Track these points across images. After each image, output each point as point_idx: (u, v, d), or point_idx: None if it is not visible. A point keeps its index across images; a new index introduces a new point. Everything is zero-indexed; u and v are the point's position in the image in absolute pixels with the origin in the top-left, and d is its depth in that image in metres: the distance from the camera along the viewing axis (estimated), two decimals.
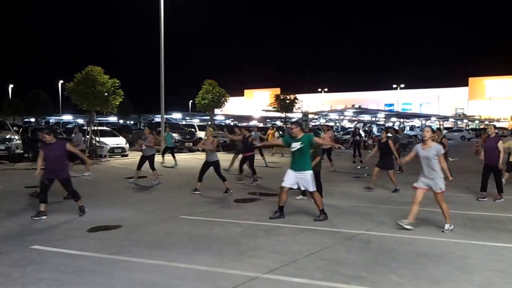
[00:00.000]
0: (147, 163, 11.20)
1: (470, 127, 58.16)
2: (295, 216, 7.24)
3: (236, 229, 6.33)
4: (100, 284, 4.20)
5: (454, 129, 50.99)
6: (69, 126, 38.12)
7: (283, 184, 6.92)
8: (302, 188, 7.12)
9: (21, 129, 21.56)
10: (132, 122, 47.78)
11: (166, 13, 21.70)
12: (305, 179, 6.84)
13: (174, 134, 22.49)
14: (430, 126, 6.81)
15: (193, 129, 26.48)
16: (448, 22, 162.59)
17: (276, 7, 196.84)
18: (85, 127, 20.12)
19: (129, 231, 6.18)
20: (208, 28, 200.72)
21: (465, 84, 77.74)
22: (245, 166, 11.57)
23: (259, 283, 4.25)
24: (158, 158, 15.58)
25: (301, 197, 8.76)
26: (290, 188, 7.03)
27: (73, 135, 13.67)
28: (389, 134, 11.34)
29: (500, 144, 8.69)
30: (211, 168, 9.55)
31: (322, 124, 40.92)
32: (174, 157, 15.68)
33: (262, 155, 15.93)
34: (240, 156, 12.06)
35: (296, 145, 6.89)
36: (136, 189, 10.31)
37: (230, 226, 6.50)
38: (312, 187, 6.85)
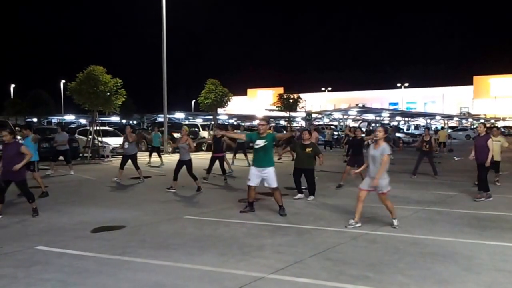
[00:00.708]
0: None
1: (475, 126, 57.80)
2: (300, 216, 7.22)
3: (241, 229, 6.30)
4: (105, 285, 4.18)
5: (459, 128, 50.72)
6: (72, 126, 38.21)
7: (249, 184, 7.14)
8: (266, 185, 7.18)
9: None
10: (135, 122, 47.81)
11: (168, 12, 21.71)
12: (269, 175, 7.02)
13: (177, 134, 22.51)
14: (383, 126, 6.79)
15: (196, 129, 26.46)
16: (453, 21, 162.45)
17: (279, 6, 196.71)
18: (88, 127, 20.13)
19: (133, 232, 6.17)
20: (211, 27, 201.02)
21: (470, 82, 77.49)
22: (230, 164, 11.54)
23: (264, 283, 4.23)
24: (146, 158, 15.74)
25: (299, 196, 8.75)
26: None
27: (56, 134, 13.55)
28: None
29: (490, 143, 8.72)
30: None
31: (326, 124, 40.83)
32: (160, 156, 15.86)
33: (234, 154, 15.84)
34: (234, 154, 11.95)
35: (260, 143, 7.03)
36: (140, 189, 10.30)
37: (234, 226, 6.48)
38: (275, 184, 7.04)
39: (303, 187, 8.91)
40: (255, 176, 7.09)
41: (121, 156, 18.08)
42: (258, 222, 6.73)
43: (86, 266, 4.69)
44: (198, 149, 18.02)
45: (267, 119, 7.70)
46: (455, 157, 18.92)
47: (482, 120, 61.38)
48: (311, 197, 8.69)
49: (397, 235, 5.97)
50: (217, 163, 11.33)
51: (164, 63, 21.58)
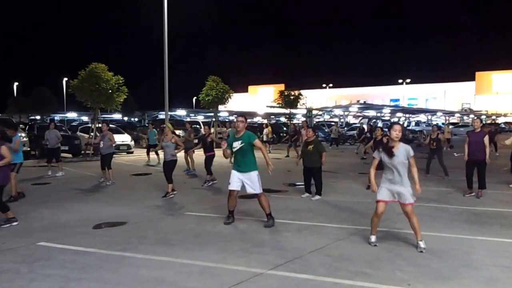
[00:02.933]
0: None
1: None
2: (300, 212, 7.24)
3: (241, 225, 6.34)
4: (106, 280, 4.23)
5: (460, 124, 50.51)
6: (74, 123, 38.33)
7: (230, 188, 6.32)
8: (249, 191, 6.39)
9: (27, 127, 21.72)
10: (136, 119, 47.92)
11: (170, 10, 21.68)
12: (251, 179, 6.24)
13: (179, 131, 22.54)
14: (398, 123, 6.05)
15: (197, 126, 26.48)
16: (455, 16, 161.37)
17: (280, 3, 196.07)
18: (89, 124, 20.20)
19: (134, 228, 6.22)
20: (212, 24, 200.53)
21: (472, 78, 77.09)
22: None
23: (263, 279, 4.27)
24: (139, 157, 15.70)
25: (306, 195, 8.70)
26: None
27: (46, 131, 12.43)
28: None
29: (487, 139, 8.48)
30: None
31: (325, 121, 40.80)
32: (157, 154, 15.16)
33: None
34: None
35: (236, 145, 6.25)
36: (141, 186, 10.34)
37: (234, 222, 6.51)
38: (258, 189, 6.26)
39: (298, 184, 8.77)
40: (235, 179, 6.30)
41: (124, 153, 18.33)
42: (257, 218, 6.75)
43: (87, 261, 4.74)
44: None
45: (245, 115, 6.64)
46: (455, 153, 18.89)
47: (484, 116, 61.22)
48: (316, 197, 8.40)
49: (396, 231, 5.99)
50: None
51: (165, 60, 21.57)
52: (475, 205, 7.83)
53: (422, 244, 5.14)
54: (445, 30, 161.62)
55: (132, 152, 19.15)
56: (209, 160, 10.71)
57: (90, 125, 19.72)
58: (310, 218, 6.78)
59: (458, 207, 7.63)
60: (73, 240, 5.59)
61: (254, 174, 6.27)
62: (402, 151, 5.14)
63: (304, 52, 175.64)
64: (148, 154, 15.76)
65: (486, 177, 8.75)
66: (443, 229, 6.11)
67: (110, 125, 22.56)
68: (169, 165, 8.82)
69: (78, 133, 20.41)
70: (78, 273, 4.41)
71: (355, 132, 27.60)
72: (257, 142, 6.29)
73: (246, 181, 6.28)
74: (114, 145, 10.98)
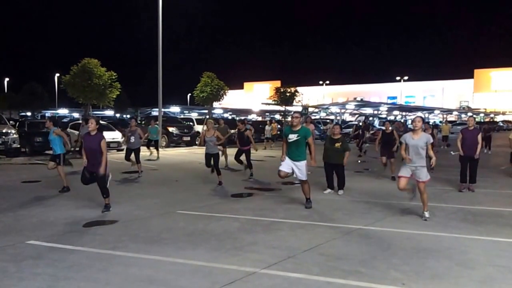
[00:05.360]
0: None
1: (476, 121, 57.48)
2: (293, 211, 7.17)
3: (234, 224, 6.26)
4: (96, 279, 4.14)
5: (458, 122, 50.61)
6: (65, 120, 37.97)
7: (279, 168, 7.25)
8: (295, 175, 7.25)
9: (17, 123, 21.42)
10: (129, 116, 47.57)
11: (165, 5, 21.51)
12: (300, 168, 7.12)
13: (172, 129, 22.37)
14: (421, 117, 7.00)
15: (191, 123, 26.32)
16: (454, 13, 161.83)
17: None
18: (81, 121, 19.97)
19: (125, 226, 6.12)
20: (207, 19, 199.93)
21: (471, 76, 77.15)
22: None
23: (256, 278, 4.19)
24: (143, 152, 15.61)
25: (328, 191, 8.77)
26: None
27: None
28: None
29: (480, 136, 9.06)
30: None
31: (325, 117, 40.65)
32: (148, 148, 15.79)
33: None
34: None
35: (293, 137, 7.11)
36: (133, 184, 10.23)
37: (227, 221, 6.44)
38: (304, 177, 7.13)
39: (296, 182, 8.83)
40: (286, 164, 7.19)
41: (114, 151, 18.11)
42: (251, 217, 6.68)
43: (77, 260, 4.65)
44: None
45: (301, 111, 7.98)
46: (451, 152, 18.90)
47: (482, 115, 61.44)
48: (341, 192, 8.73)
49: (391, 230, 5.95)
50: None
51: (159, 56, 21.41)
52: (471, 204, 7.80)
53: (426, 214, 6.55)
54: (444, 27, 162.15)
55: (122, 150, 18.95)
56: (247, 153, 11.40)
57: (81, 121, 19.47)
58: (304, 217, 6.70)
59: (454, 206, 7.59)
60: (62, 238, 5.48)
61: (303, 164, 7.12)
62: (423, 138, 6.48)
63: (301, 49, 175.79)
64: (148, 148, 15.80)
65: (486, 175, 8.84)
66: (439, 228, 6.06)
67: (101, 122, 22.39)
68: (215, 157, 9.68)
69: (69, 130, 20.16)
70: (67, 272, 4.32)
71: (350, 130, 27.57)
72: (310, 139, 7.17)
73: (295, 169, 7.15)
74: (142, 140, 11.85)
